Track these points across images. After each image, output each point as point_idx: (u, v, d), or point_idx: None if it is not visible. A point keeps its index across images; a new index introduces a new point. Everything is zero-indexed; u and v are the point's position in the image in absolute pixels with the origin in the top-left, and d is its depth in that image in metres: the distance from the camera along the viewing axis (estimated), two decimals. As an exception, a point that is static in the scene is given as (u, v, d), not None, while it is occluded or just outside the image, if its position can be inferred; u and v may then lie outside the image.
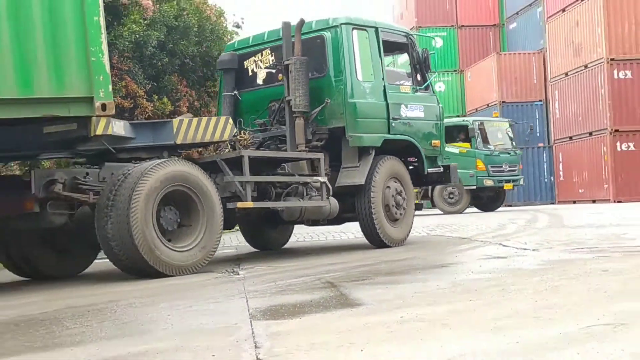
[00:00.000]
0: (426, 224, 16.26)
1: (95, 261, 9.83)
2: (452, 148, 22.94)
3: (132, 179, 7.94)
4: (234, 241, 14.07)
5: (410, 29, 40.69)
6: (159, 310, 5.79)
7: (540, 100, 34.33)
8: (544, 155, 33.30)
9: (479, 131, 23.88)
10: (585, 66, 29.98)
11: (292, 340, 4.21)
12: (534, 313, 4.60)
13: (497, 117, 27.13)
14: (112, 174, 8.28)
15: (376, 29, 10.80)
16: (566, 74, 31.44)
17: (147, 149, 8.90)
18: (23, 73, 7.19)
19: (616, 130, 28.53)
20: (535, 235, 11.27)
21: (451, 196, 23.57)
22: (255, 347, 4.10)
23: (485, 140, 23.94)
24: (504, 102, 34.35)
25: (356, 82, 10.31)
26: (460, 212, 22.97)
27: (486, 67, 35.85)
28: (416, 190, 18.98)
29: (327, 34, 10.34)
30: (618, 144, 28.49)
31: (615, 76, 28.66)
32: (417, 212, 13.70)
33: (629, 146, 28.41)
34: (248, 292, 6.47)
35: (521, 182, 25.46)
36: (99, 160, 8.80)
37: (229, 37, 17.55)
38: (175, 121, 9.03)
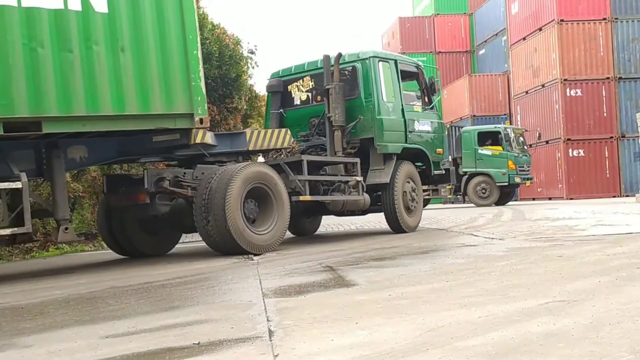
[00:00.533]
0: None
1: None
2: (486, 151, 23.12)
3: (225, 178, 8.55)
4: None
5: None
6: (186, 290, 5.79)
7: (505, 114, 34.31)
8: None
9: (508, 137, 23.72)
10: (543, 85, 29.98)
11: (297, 315, 4.21)
12: (500, 292, 4.59)
13: (508, 125, 27.04)
14: (202, 174, 8.90)
15: (395, 61, 11.54)
16: (526, 92, 31.43)
17: (226, 154, 9.49)
18: (143, 95, 7.92)
19: (568, 139, 28.53)
20: (501, 227, 11.25)
21: (483, 191, 23.58)
22: (267, 320, 4.10)
23: (512, 145, 23.76)
24: (474, 115, 34.34)
25: (382, 102, 10.98)
26: (490, 205, 22.78)
27: (460, 86, 35.84)
28: (449, 186, 19.18)
29: (358, 65, 11.00)
30: (570, 150, 28.49)
31: (568, 94, 28.66)
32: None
33: (579, 152, 28.43)
34: (261, 275, 6.47)
35: (533, 179, 25.51)
36: (190, 163, 9.37)
37: (244, 61, 17.54)
38: (248, 132, 9.72)
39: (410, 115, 11.49)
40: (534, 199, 29.39)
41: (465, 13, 40.02)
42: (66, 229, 7.90)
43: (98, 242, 13.30)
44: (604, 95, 28.70)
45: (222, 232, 8.41)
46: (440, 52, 39.41)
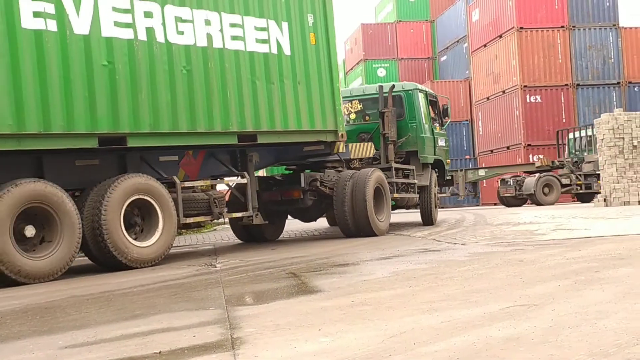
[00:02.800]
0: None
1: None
2: None
3: (362, 180, 11.24)
4: (212, 239, 13.96)
5: (358, 62, 40.88)
6: (148, 299, 5.71)
7: (467, 120, 34.68)
8: (470, 165, 33.62)
9: None
10: (503, 92, 30.39)
11: (260, 322, 4.19)
12: (462, 296, 4.62)
13: None
14: (336, 177, 11.42)
15: (426, 92, 14.25)
16: (487, 98, 31.84)
17: (338, 161, 11.94)
18: (310, 116, 10.52)
19: (528, 145, 28.95)
20: (463, 232, 11.34)
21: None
22: (230, 327, 4.07)
23: None
24: (436, 121, 34.58)
25: (422, 124, 13.68)
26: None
27: (422, 92, 36.11)
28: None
29: (404, 94, 13.58)
30: (530, 155, 28.90)
31: (528, 100, 29.12)
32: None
33: (539, 157, 28.84)
34: (224, 282, 6.42)
35: None
36: (303, 166, 11.92)
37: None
38: (350, 145, 12.14)
39: (435, 134, 14.29)
40: (495, 204, 29.75)
41: (427, 20, 40.34)
42: (257, 215, 10.40)
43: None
44: (562, 101, 29.21)
45: (361, 219, 11.15)
46: (402, 58, 39.68)
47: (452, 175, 16.27)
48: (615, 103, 28.95)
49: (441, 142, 14.70)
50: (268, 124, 9.84)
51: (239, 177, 10.25)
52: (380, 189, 11.63)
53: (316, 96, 10.55)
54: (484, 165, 31.40)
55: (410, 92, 13.59)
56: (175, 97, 8.69)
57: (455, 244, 8.97)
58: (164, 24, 8.63)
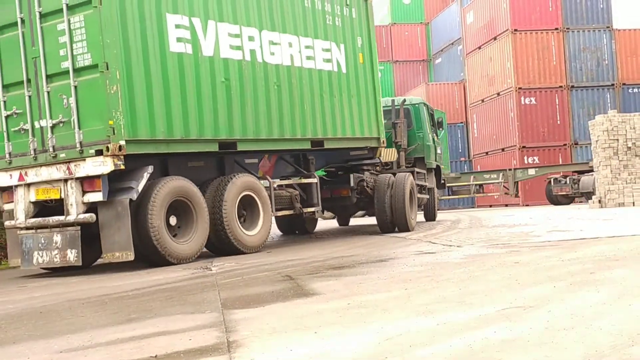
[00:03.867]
0: (371, 225, 16.30)
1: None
2: None
3: (400, 182, 12.96)
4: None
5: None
6: (144, 302, 5.70)
7: (462, 122, 34.72)
8: (465, 167, 33.68)
9: None
10: (498, 94, 30.45)
11: (256, 325, 4.18)
12: (458, 298, 4.62)
13: None
14: (376, 179, 13.04)
15: (427, 105, 16.19)
16: (482, 101, 31.89)
17: (371, 165, 13.30)
18: (360, 125, 12.34)
19: (523, 147, 29.01)
20: (459, 234, 11.36)
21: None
22: (226, 331, 4.06)
23: None
24: (432, 124, 34.59)
25: (427, 134, 15.59)
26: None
27: (417, 95, 35.91)
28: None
29: (411, 107, 15.28)
30: (525, 157, 28.96)
31: (522, 102, 29.17)
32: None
33: (534, 159, 28.93)
34: (219, 285, 6.42)
35: None
36: (350, 170, 13.27)
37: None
38: (379, 150, 13.07)
39: (435, 143, 16.38)
40: (490, 206, 29.79)
41: (421, 22, 40.37)
42: (322, 211, 12.82)
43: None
44: (557, 103, 29.27)
45: (399, 217, 12.86)
46: (397, 61, 39.70)
47: (444, 180, 18.36)
48: (609, 105, 29.02)
49: (439, 150, 16.91)
50: (332, 132, 11.69)
51: (307, 178, 12.00)
52: (411, 191, 13.32)
53: (364, 108, 12.40)
54: (479, 168, 31.48)
55: (417, 105, 15.54)
56: (270, 108, 10.43)
57: (450, 246, 8.98)
58: (261, 46, 10.36)
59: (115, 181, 8.54)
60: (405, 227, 12.92)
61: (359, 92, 12.30)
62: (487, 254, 7.55)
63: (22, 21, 8.77)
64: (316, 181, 11.94)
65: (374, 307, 4.53)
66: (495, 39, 30.58)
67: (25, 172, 8.88)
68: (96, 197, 8.46)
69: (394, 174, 13.36)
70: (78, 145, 8.42)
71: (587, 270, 5.61)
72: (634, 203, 18.23)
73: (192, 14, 9.32)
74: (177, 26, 9.09)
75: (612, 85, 29.72)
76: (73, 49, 8.41)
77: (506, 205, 28.84)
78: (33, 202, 8.93)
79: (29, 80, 8.81)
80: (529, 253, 7.40)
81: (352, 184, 12.84)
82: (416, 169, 14.55)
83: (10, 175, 9.04)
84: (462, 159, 34.06)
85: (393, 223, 12.92)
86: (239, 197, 9.90)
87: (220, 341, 3.79)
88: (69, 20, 8.39)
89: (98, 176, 8.39)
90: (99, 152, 8.30)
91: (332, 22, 11.76)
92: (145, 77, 8.66)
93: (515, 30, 29.24)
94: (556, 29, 29.41)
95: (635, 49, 30.20)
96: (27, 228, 8.90)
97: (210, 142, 9.58)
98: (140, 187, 8.54)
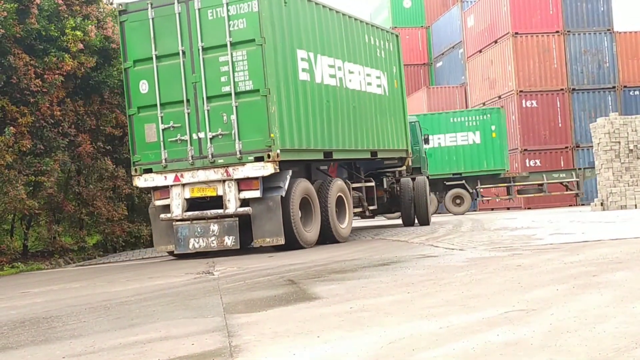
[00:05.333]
0: (372, 228, 16.31)
1: (83, 265, 9.71)
2: None
3: (421, 185, 16.19)
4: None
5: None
6: (146, 307, 5.70)
7: (463, 125, 34.61)
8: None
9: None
10: (499, 97, 30.44)
11: (259, 329, 4.18)
12: (461, 302, 4.62)
13: None
14: (401, 182, 15.95)
15: (418, 122, 18.37)
16: (484, 104, 31.85)
17: (392, 171, 15.97)
18: (398, 139, 14.83)
19: (525, 150, 28.99)
20: (461, 237, 11.34)
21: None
22: (229, 335, 4.06)
23: None
24: (433, 127, 34.55)
25: (423, 148, 18.16)
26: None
27: (418, 98, 36.12)
28: None
29: (409, 125, 16.65)
30: (527, 160, 28.95)
31: (524, 105, 29.17)
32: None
33: (535, 162, 28.92)
34: (222, 289, 6.41)
35: None
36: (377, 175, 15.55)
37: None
38: (407, 159, 15.53)
39: (426, 155, 18.71)
40: (492, 209, 29.77)
41: (422, 26, 40.39)
42: (371, 212, 14.87)
43: (54, 260, 13.05)
44: (558, 106, 29.27)
45: (422, 214, 16.22)
46: (398, 64, 39.68)
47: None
48: (610, 107, 29.00)
49: (428, 161, 19.42)
50: (383, 144, 14.12)
51: (368, 182, 14.41)
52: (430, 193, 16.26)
53: (399, 125, 14.95)
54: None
55: (413, 123, 17.77)
56: (350, 125, 12.82)
57: (453, 249, 8.96)
58: (344, 74, 12.73)
59: (264, 182, 10.54)
60: (425, 222, 16.14)
61: (396, 112, 14.90)
62: (490, 257, 7.54)
63: (184, 52, 10.73)
64: (374, 184, 14.52)
65: (377, 310, 4.52)
66: (496, 42, 30.60)
67: (182, 175, 10.80)
68: (253, 194, 10.54)
69: (413, 179, 15.93)
70: (238, 153, 10.50)
71: (589, 273, 5.60)
72: (636, 205, 18.21)
73: (309, 49, 11.62)
74: (302, 59, 11.43)
75: (613, 87, 29.71)
76: (235, 77, 10.49)
77: (508, 209, 28.81)
78: (187, 199, 10.81)
79: (187, 100, 10.75)
80: (532, 256, 7.39)
81: (385, 186, 15.41)
82: (428, 173, 17.35)
83: (165, 177, 10.89)
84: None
85: (416, 218, 16.00)
86: (336, 197, 12.11)
87: (222, 346, 3.78)
88: (231, 54, 10.48)
89: (256, 178, 10.47)
90: (258, 159, 10.39)
91: (380, 54, 14.32)
92: (286, 99, 10.88)
93: (516, 33, 29.25)
94: (557, 32, 29.42)
95: (636, 52, 30.19)
96: (183, 220, 10.75)
97: (318, 151, 11.86)
98: (286, 187, 10.61)
